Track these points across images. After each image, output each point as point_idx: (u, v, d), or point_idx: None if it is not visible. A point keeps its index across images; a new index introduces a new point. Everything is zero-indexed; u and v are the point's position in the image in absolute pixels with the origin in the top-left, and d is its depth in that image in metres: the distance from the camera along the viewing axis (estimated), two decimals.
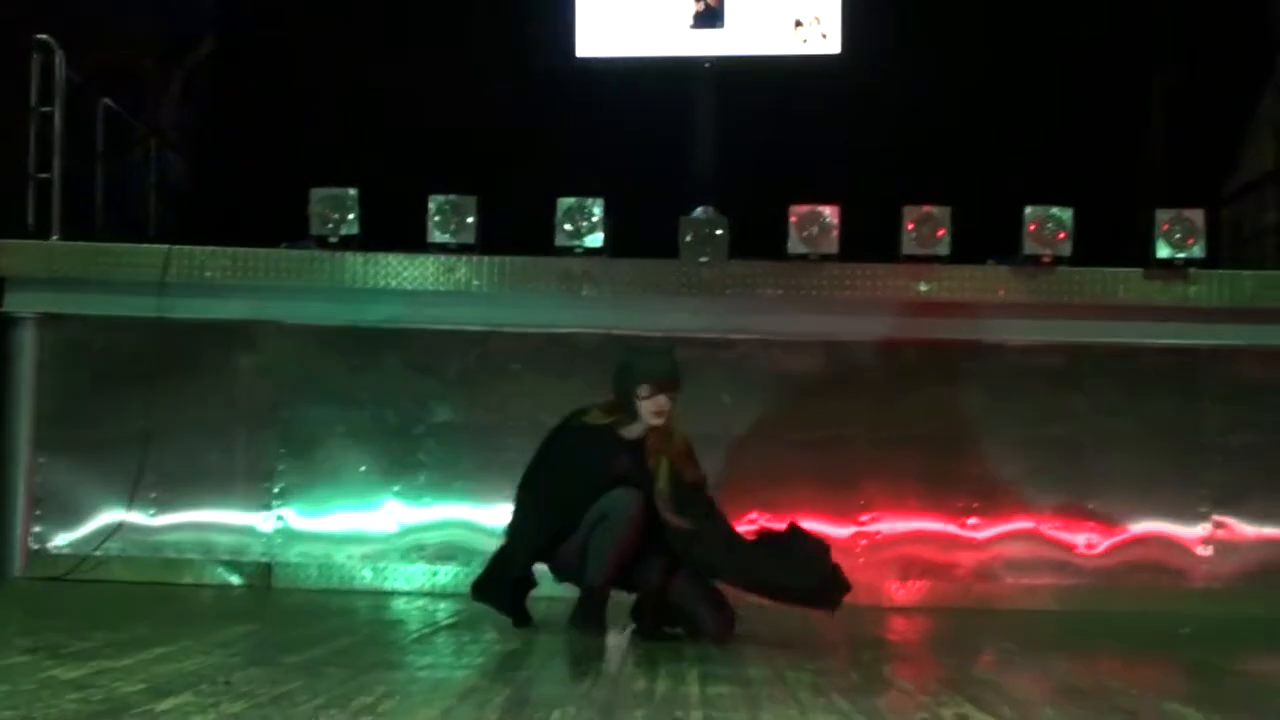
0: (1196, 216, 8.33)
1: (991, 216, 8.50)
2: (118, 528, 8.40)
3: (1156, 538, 8.42)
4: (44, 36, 8.54)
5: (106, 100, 9.27)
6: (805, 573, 6.56)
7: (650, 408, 6.53)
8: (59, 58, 8.53)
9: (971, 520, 8.46)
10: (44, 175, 8.49)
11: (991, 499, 8.44)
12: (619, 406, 6.61)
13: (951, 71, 10.37)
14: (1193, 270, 8.33)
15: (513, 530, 6.71)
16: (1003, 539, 8.46)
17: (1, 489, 8.44)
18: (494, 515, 8.10)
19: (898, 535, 8.47)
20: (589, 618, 6.52)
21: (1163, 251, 8.29)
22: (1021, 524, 8.46)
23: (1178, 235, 8.29)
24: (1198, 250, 8.30)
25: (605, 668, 5.83)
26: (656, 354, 6.80)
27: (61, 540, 8.46)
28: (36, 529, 8.45)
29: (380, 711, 4.58)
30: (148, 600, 7.62)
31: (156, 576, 8.37)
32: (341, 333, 8.55)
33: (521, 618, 6.68)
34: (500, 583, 6.66)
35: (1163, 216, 8.32)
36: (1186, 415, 8.43)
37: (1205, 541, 8.42)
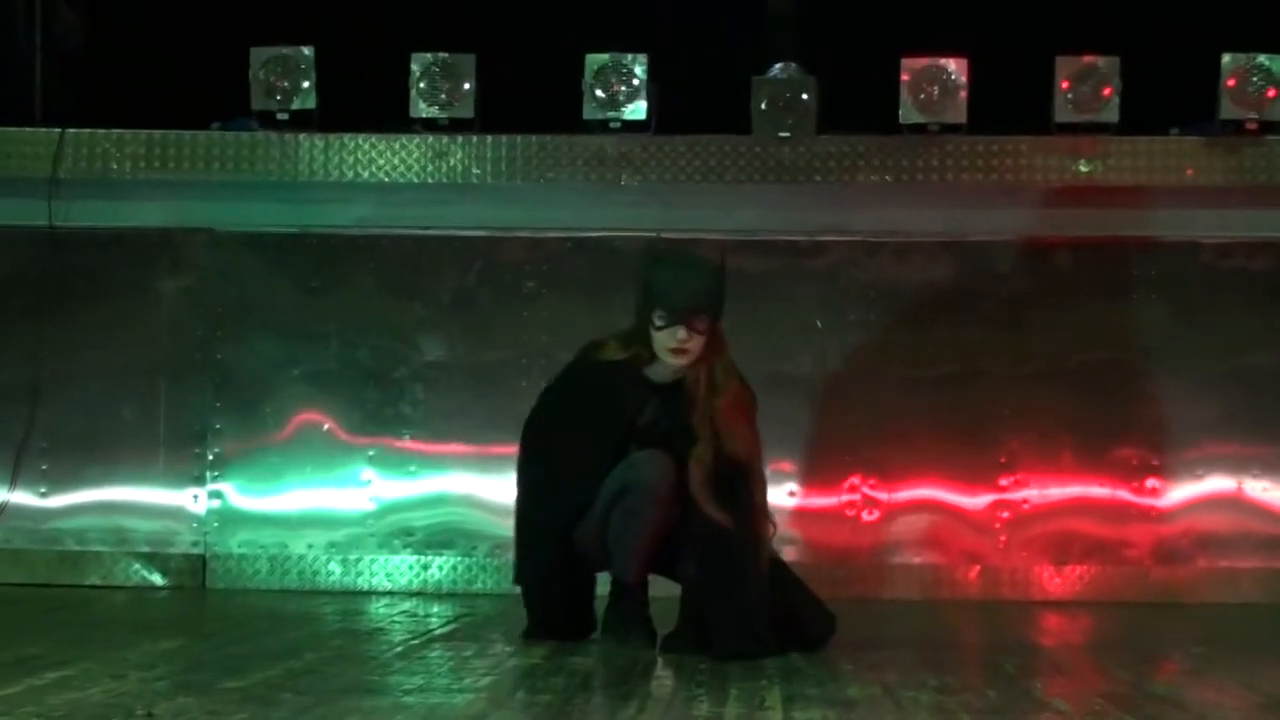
0: None
1: (1175, 69, 8.49)
2: None
3: None
4: None
5: None
6: (815, 606, 6.57)
7: (666, 342, 6.36)
8: None
9: (1150, 483, 8.49)
10: None
11: (1177, 454, 8.48)
12: (639, 337, 6.48)
13: None
14: None
15: (523, 512, 6.68)
16: (1193, 507, 8.51)
17: None
18: (503, 488, 8.07)
19: (1052, 504, 8.52)
20: (626, 619, 6.51)
21: None
22: (1218, 487, 8.49)
23: None
24: None
25: (655, 687, 5.84)
26: (682, 265, 6.60)
27: None
28: None
29: None
30: (41, 606, 7.68)
31: (52, 576, 8.45)
32: (295, 242, 8.62)
33: (582, 627, 6.63)
34: (538, 587, 6.65)
35: None
36: None
37: None
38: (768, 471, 6.68)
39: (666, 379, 6.46)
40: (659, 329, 6.33)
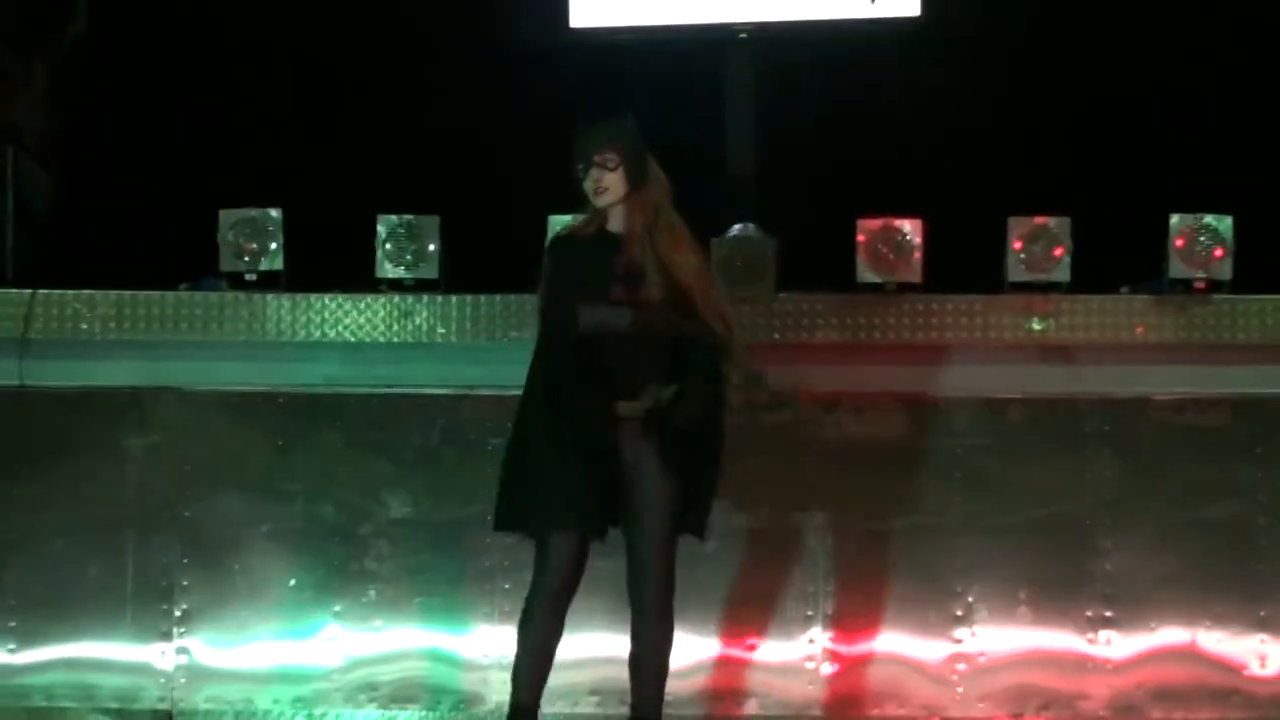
0: None
1: (1124, 230, 8.52)
2: None
3: None
4: None
5: None
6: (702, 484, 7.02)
7: (589, 189, 6.99)
8: None
9: (1105, 634, 8.42)
10: None
11: (1131, 606, 8.42)
12: (589, 206, 7.07)
13: (1063, 40, 10.30)
14: None
15: (553, 383, 6.92)
16: (1147, 659, 8.43)
17: None
18: (470, 643, 8.05)
19: (1008, 656, 8.45)
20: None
21: None
22: (1172, 639, 8.42)
23: None
24: None
25: None
26: (589, 122, 7.05)
27: None
28: None
29: None
30: None
31: None
32: (263, 401, 8.57)
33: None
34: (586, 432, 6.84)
35: None
36: None
37: None
38: None
39: (619, 229, 7.00)
40: (581, 180, 6.98)
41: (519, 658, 7.02)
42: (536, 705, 7.00)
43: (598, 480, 6.82)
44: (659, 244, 6.96)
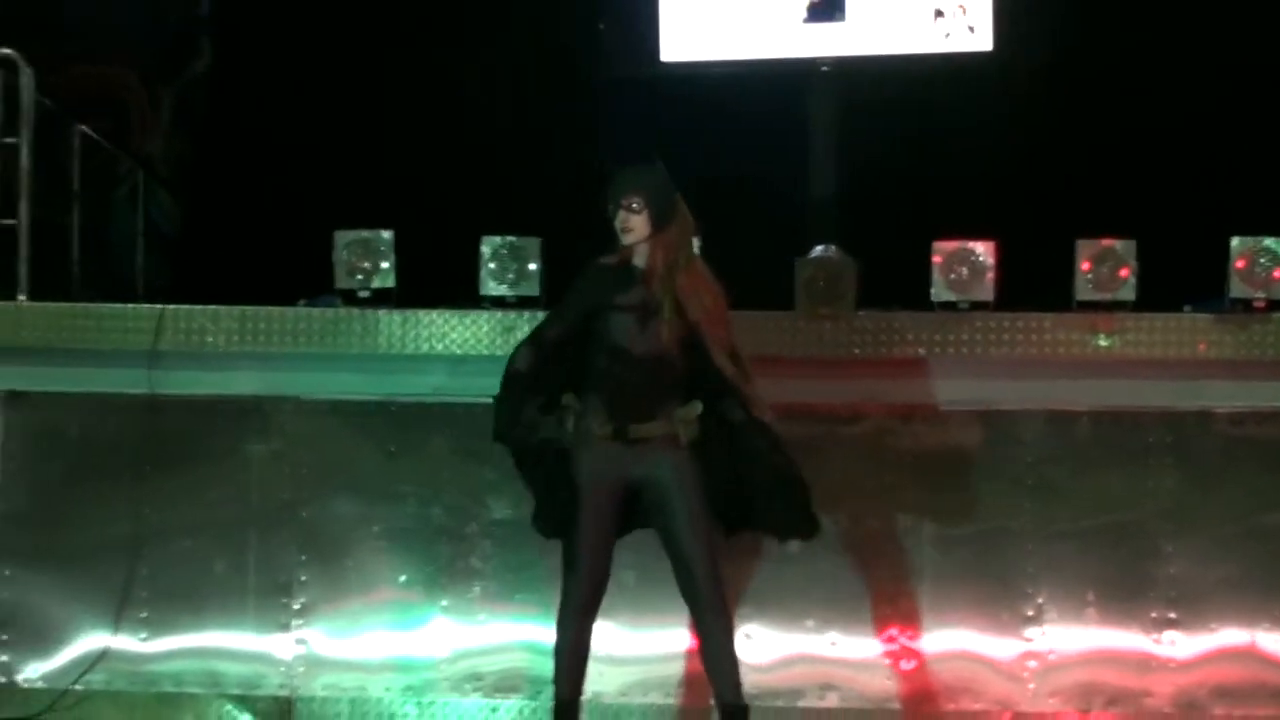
0: None
1: (1187, 251, 8.52)
2: (102, 655, 8.48)
3: None
4: (8, 52, 8.63)
5: (83, 128, 9.35)
6: (788, 497, 7.18)
7: (617, 226, 7.18)
8: (26, 77, 8.63)
9: (1169, 635, 8.38)
10: (8, 221, 8.62)
11: (1194, 608, 8.37)
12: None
13: (1130, 72, 10.32)
14: None
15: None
16: (1209, 659, 8.38)
17: None
18: None
19: (1076, 655, 8.41)
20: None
21: None
22: (1233, 640, 8.38)
23: None
24: None
25: None
26: (620, 169, 7.26)
27: (33, 672, 8.54)
28: (3, 658, 8.53)
29: None
30: None
31: (150, 715, 8.43)
32: (375, 410, 8.60)
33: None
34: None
35: None
36: None
37: None
38: None
39: (642, 264, 7.17)
40: (611, 219, 7.17)
41: (557, 655, 7.24)
42: (578, 698, 7.25)
43: (541, 484, 7.24)
44: (678, 282, 7.12)
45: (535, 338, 7.28)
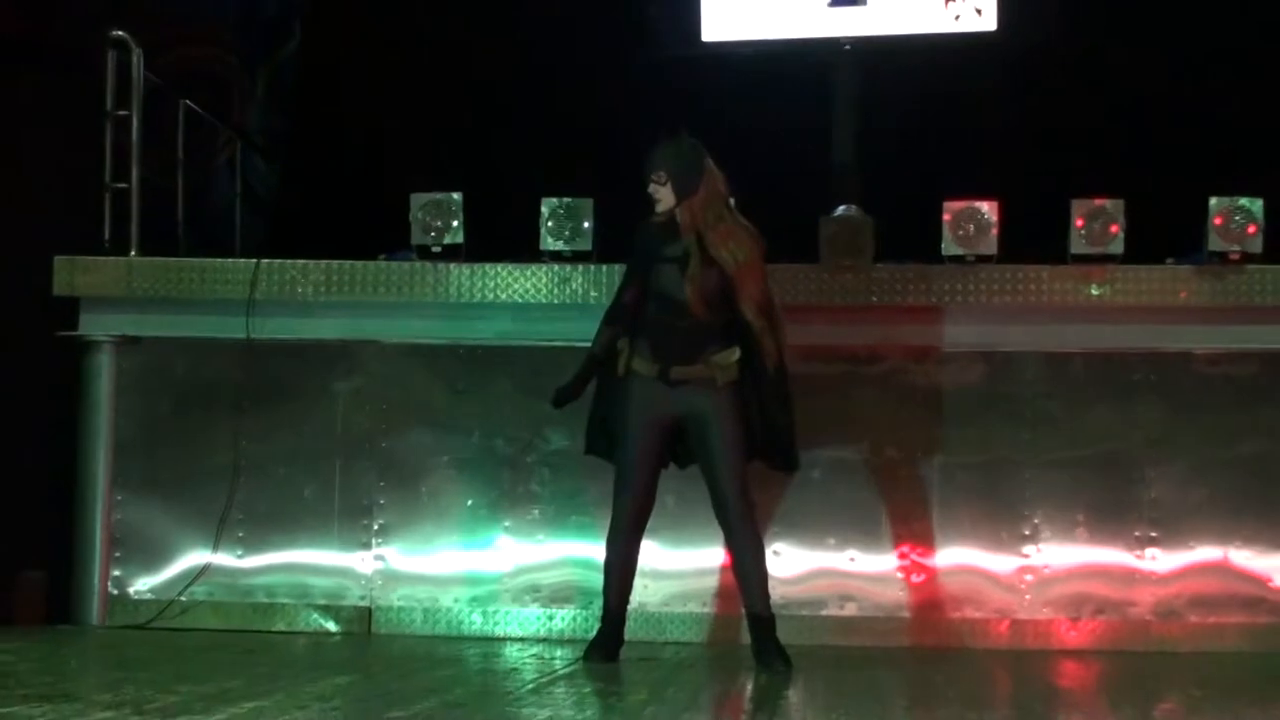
0: None
1: (1170, 209, 8.47)
2: (204, 570, 8.54)
3: None
4: (120, 34, 8.67)
5: (187, 102, 9.38)
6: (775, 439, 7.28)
7: (654, 195, 7.28)
8: (136, 57, 8.67)
9: (1151, 552, 8.39)
10: (121, 185, 8.65)
11: (1173, 528, 8.38)
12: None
13: (1122, 50, 10.26)
14: None
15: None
16: (1186, 573, 8.39)
17: (78, 529, 8.57)
18: None
19: (1067, 569, 8.43)
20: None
21: None
22: (1208, 556, 8.38)
23: None
24: None
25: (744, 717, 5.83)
26: (654, 146, 7.34)
27: (143, 585, 8.60)
28: (116, 573, 8.60)
29: None
30: (237, 649, 7.68)
31: (246, 623, 8.49)
32: (446, 352, 8.64)
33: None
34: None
35: None
36: None
37: None
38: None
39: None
40: (647, 189, 7.28)
41: (607, 571, 7.35)
42: (624, 608, 7.37)
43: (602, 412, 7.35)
44: (707, 239, 7.17)
45: (609, 316, 7.38)
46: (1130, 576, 8.38)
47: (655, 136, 7.33)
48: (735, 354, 7.19)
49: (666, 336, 7.21)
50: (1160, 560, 8.38)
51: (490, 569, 8.55)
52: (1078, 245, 8.38)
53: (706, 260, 7.15)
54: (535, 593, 8.52)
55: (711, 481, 7.24)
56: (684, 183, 7.23)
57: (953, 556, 8.43)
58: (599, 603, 7.49)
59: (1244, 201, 8.31)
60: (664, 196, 7.26)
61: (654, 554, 8.08)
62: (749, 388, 7.23)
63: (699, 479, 7.32)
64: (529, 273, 8.55)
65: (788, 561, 8.39)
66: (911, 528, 8.45)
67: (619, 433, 7.29)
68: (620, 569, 7.36)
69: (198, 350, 8.65)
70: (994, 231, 8.38)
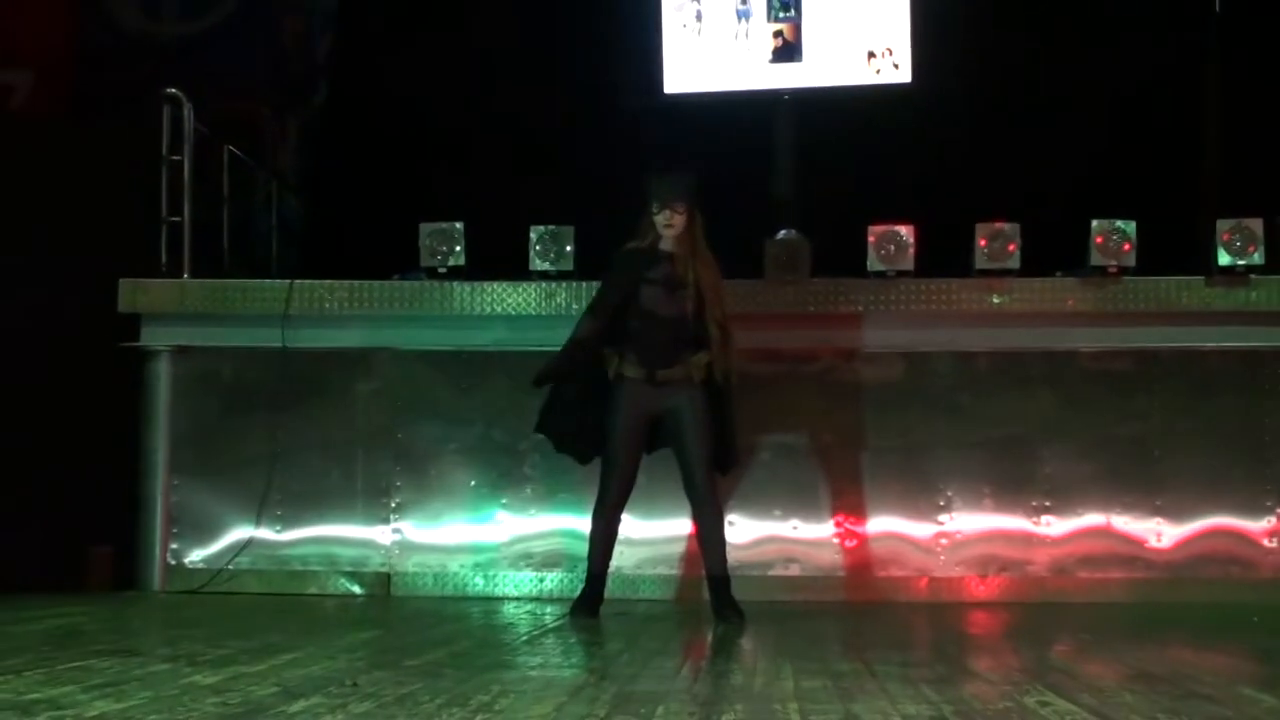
0: (1256, 225, 8.26)
1: (1059, 231, 8.47)
2: (248, 543, 8.48)
3: (1224, 531, 8.31)
4: (173, 91, 8.65)
5: (230, 148, 9.36)
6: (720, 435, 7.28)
7: (660, 221, 7.15)
8: (187, 110, 8.65)
9: (1046, 519, 8.38)
10: (175, 219, 8.61)
11: (1064, 498, 8.38)
12: (649, 228, 7.23)
13: (1015, 96, 10.29)
14: (1253, 276, 8.26)
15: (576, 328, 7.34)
16: (1075, 536, 8.37)
17: (141, 509, 8.52)
18: None
19: (976, 534, 8.41)
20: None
21: (1224, 259, 8.24)
22: (1093, 521, 8.38)
23: (1238, 243, 8.24)
24: (1258, 257, 8.24)
25: (705, 664, 5.81)
26: (666, 177, 7.22)
27: (196, 556, 8.54)
28: (173, 546, 8.54)
29: (497, 709, 4.58)
30: (277, 610, 7.67)
31: (284, 588, 8.44)
32: (451, 357, 8.59)
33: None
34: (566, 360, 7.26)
35: (1223, 226, 8.28)
36: (1250, 415, 8.34)
37: (1271, 534, 8.30)
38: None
39: (668, 249, 7.19)
40: (655, 214, 7.16)
41: (592, 540, 7.34)
42: (605, 571, 7.36)
43: (574, 422, 7.29)
44: (694, 265, 7.16)
45: (592, 312, 7.28)
46: (1029, 540, 8.37)
47: (660, 172, 7.27)
48: (706, 357, 7.18)
49: (651, 346, 7.19)
50: (1054, 526, 8.38)
51: (491, 539, 8.51)
52: (981, 261, 8.36)
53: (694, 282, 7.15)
54: (529, 559, 8.48)
55: (683, 461, 7.22)
56: (692, 214, 7.22)
57: (880, 524, 8.41)
58: (583, 566, 7.47)
59: (1120, 223, 8.31)
60: (678, 224, 7.18)
61: (630, 524, 8.00)
62: (712, 387, 7.19)
63: (669, 461, 7.29)
64: (520, 289, 8.50)
65: (741, 530, 8.36)
66: (845, 500, 8.43)
67: (611, 426, 7.22)
68: (604, 538, 7.32)
69: (240, 357, 8.60)
70: (911, 251, 8.36)
